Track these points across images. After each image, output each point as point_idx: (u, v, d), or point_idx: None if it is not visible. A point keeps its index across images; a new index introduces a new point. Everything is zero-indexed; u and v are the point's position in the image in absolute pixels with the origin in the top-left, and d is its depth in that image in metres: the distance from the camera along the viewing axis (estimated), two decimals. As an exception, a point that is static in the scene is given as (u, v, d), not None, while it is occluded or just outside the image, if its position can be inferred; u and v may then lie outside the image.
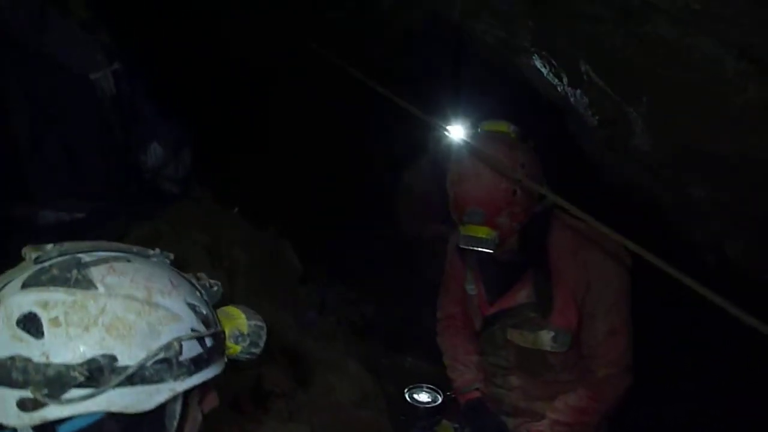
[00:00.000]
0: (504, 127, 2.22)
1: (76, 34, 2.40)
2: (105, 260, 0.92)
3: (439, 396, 2.80)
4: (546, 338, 2.20)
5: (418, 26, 4.83)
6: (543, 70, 3.33)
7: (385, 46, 5.30)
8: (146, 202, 2.82)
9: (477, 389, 2.45)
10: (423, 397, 2.80)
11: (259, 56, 4.78)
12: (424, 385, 2.85)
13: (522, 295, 2.23)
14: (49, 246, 0.93)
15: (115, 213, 2.59)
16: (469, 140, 2.28)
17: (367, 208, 4.79)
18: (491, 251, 2.09)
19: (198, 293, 1.01)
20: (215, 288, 1.06)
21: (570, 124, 3.76)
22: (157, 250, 1.02)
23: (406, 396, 2.80)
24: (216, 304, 1.06)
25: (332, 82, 4.87)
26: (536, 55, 3.31)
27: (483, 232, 2.05)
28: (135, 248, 1.01)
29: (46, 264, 0.90)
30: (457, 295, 2.52)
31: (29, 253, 0.92)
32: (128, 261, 0.94)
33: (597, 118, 3.16)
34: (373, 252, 4.55)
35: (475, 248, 2.09)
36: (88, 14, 2.26)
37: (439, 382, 3.06)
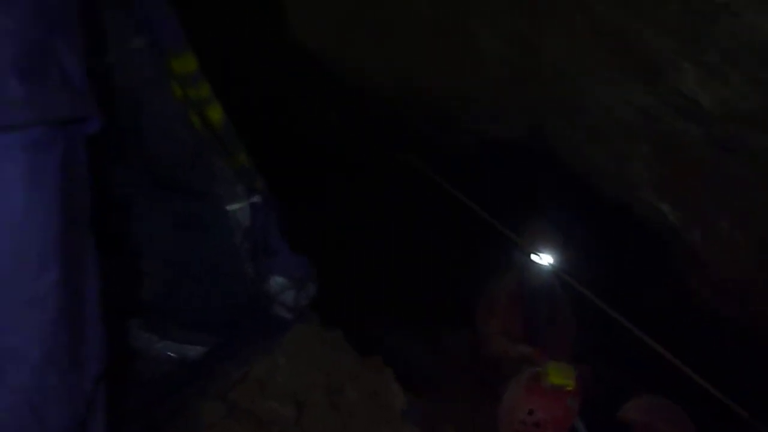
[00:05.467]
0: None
1: (223, 171, 2.38)
2: None
3: None
4: None
5: (512, 141, 4.78)
6: (669, 215, 3.20)
7: (466, 159, 5.28)
8: (263, 332, 2.74)
9: None
10: None
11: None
12: None
13: None
14: None
15: (236, 349, 2.53)
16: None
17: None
18: None
19: None
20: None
21: (685, 275, 3.58)
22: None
23: None
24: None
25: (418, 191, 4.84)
26: (663, 200, 3.19)
27: None
28: None
29: None
30: None
31: None
32: None
33: (730, 277, 2.99)
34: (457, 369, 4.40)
35: None
36: (248, 162, 2.25)
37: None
